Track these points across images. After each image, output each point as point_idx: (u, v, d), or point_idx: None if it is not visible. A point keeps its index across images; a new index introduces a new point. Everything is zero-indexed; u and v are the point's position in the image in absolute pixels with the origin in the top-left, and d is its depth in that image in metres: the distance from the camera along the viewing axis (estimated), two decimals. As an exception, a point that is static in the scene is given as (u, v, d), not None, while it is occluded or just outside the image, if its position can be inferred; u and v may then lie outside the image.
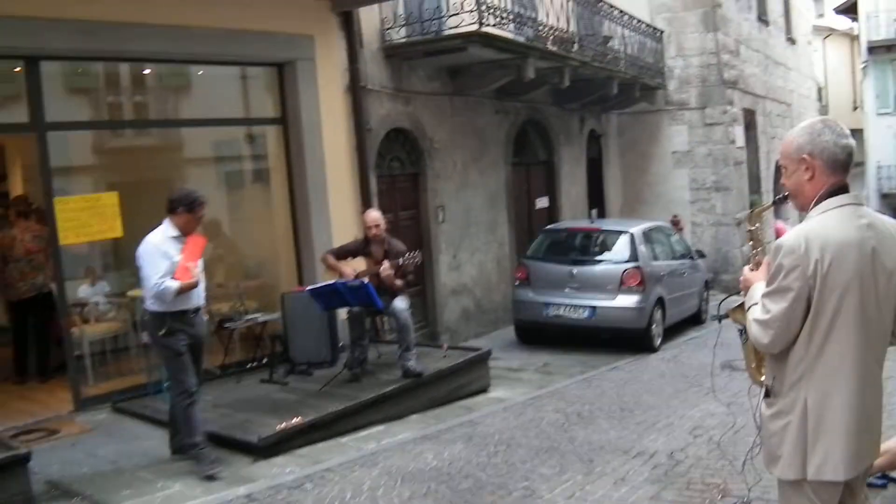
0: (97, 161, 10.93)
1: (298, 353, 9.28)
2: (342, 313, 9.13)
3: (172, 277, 6.25)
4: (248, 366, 9.49)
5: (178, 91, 10.87)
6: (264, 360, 9.30)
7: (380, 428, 7.75)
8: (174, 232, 6.43)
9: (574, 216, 16.47)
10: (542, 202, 16.03)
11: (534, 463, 6.46)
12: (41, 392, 9.13)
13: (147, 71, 10.10)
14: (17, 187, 11.75)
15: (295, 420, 7.21)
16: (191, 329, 6.50)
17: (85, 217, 8.50)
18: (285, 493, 6.01)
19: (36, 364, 9.64)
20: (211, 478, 6.32)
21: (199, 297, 6.60)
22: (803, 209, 3.22)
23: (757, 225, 3.67)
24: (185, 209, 6.44)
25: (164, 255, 6.30)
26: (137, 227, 9.09)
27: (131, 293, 9.91)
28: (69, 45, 8.20)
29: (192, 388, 6.48)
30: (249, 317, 9.47)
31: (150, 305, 6.35)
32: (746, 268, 3.49)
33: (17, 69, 8.37)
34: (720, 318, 4.03)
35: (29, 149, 10.19)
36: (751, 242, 3.64)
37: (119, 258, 10.75)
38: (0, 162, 12.46)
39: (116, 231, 8.75)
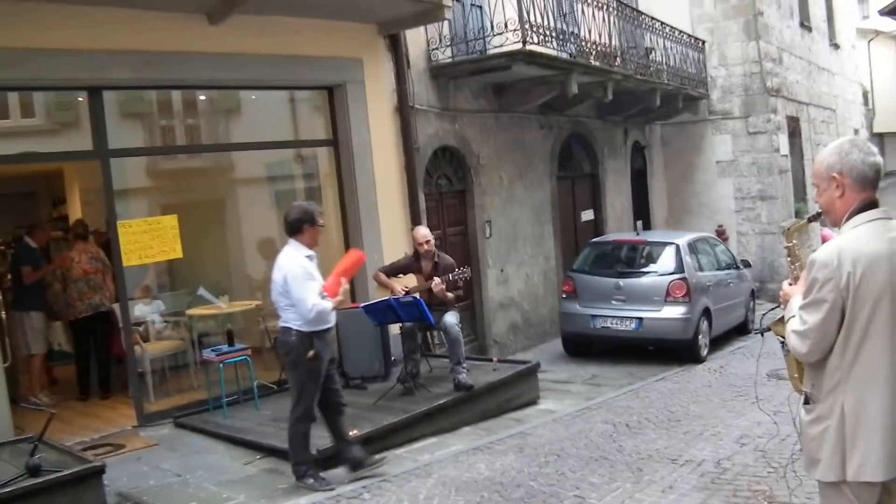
0: (154, 184, 11.32)
1: (352, 368, 9.51)
2: (394, 328, 9.35)
3: (322, 296, 6.33)
4: (305, 381, 9.73)
5: (231, 115, 11.24)
6: (320, 375, 9.52)
7: (433, 440, 7.97)
8: (307, 251, 6.48)
9: (619, 228, 16.60)
10: (588, 215, 16.19)
11: (584, 472, 6.65)
12: (104, 408, 9.47)
13: (202, 97, 10.47)
14: (75, 210, 12.15)
15: (352, 433, 7.45)
16: (327, 347, 6.60)
17: (147, 239, 8.84)
18: (344, 503, 6.25)
19: (98, 381, 9.99)
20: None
21: (334, 315, 6.69)
22: (836, 225, 3.42)
23: (794, 241, 3.86)
24: (309, 224, 6.51)
25: (311, 276, 6.37)
26: (194, 247, 9.49)
27: (189, 312, 10.28)
28: (128, 75, 8.56)
29: (315, 414, 6.59)
30: (305, 333, 9.71)
31: (300, 326, 6.38)
32: (786, 282, 3.69)
33: (81, 99, 8.81)
34: (762, 332, 4.20)
35: (86, 173, 10.66)
36: (789, 258, 3.84)
37: (174, 278, 11.12)
38: (59, 185, 12.91)
39: (177, 252, 9.07)
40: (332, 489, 6.45)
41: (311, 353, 6.36)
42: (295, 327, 6.37)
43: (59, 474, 5.58)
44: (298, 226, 6.49)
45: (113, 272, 9.47)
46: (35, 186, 13.80)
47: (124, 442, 8.20)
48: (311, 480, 6.51)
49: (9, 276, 10.09)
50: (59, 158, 10.44)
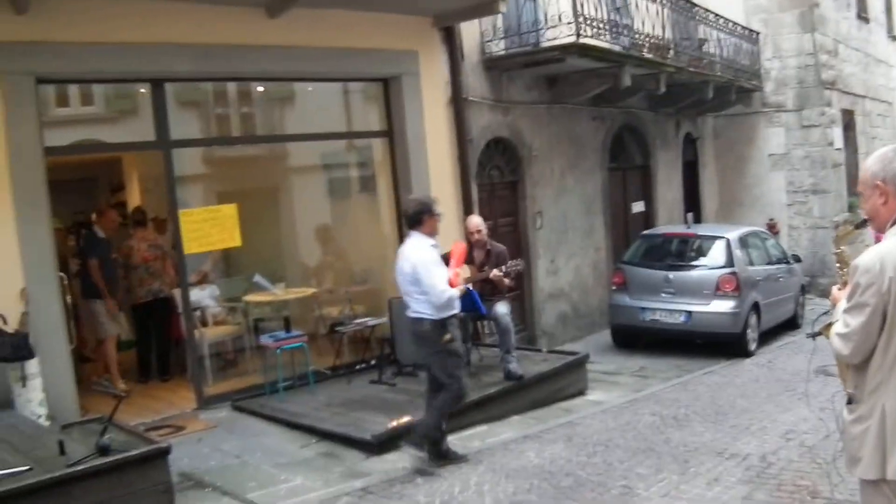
0: (211, 172, 11.56)
1: (405, 356, 9.61)
2: (446, 317, 9.53)
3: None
4: (358, 367, 9.95)
5: (288, 106, 11.46)
6: (373, 362, 9.75)
7: (483, 428, 8.11)
8: (430, 240, 6.69)
9: (670, 220, 16.60)
10: (639, 206, 16.21)
11: (631, 463, 6.77)
12: (164, 391, 9.76)
13: (259, 88, 10.69)
14: (134, 197, 12.44)
15: (405, 419, 7.64)
16: (456, 332, 6.79)
17: (207, 228, 9.09)
18: (398, 487, 6.43)
19: (157, 365, 10.30)
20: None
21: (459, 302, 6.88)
22: (880, 231, 3.52)
23: (843, 248, 3.96)
24: (428, 215, 6.68)
25: (440, 263, 6.62)
26: (251, 235, 9.71)
27: (246, 298, 10.52)
28: (189, 67, 8.81)
29: (466, 390, 6.84)
30: (359, 321, 9.95)
31: (432, 315, 6.56)
32: (835, 287, 3.81)
33: (143, 91, 9.07)
34: (814, 336, 4.28)
35: (145, 160, 10.94)
36: (838, 264, 3.94)
37: (231, 264, 11.36)
38: (118, 172, 13.23)
39: (235, 241, 9.33)
40: (432, 472, 6.66)
41: (447, 336, 6.57)
42: (427, 316, 6.55)
43: (127, 454, 5.79)
44: (419, 217, 6.67)
45: (172, 258, 9.77)
46: (95, 173, 14.11)
47: (184, 424, 8.47)
48: (418, 451, 6.71)
49: (77, 263, 10.35)
50: (122, 149, 10.76)
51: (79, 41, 7.93)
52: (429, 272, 6.46)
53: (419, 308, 6.60)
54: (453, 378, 6.69)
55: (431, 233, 6.72)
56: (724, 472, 6.50)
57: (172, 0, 8.36)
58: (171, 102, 9.10)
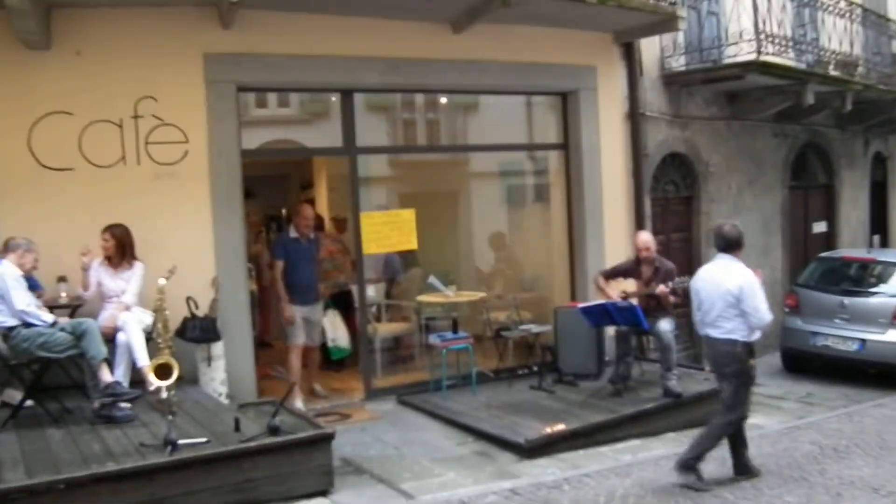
0: (392, 175, 12.05)
1: (566, 365, 9.90)
2: (610, 330, 9.68)
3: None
4: (520, 372, 10.28)
5: (468, 116, 11.82)
6: (535, 369, 9.99)
7: (636, 442, 8.20)
8: (744, 266, 6.82)
9: (854, 242, 16.07)
10: (820, 227, 15.79)
11: (780, 490, 6.73)
12: (335, 380, 10.36)
13: (443, 100, 11.15)
14: (321, 195, 13.22)
15: (559, 427, 7.88)
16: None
17: (386, 230, 9.67)
18: (545, 492, 6.63)
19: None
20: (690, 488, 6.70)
21: None
22: None
23: None
24: (741, 247, 6.89)
25: (761, 288, 6.77)
26: (427, 237, 10.16)
27: (419, 298, 10.99)
28: (378, 79, 9.42)
29: (746, 416, 6.97)
30: (524, 327, 10.22)
31: (745, 337, 6.71)
32: None
33: (334, 100, 9.69)
34: None
35: (333, 161, 11.58)
36: None
37: (406, 265, 11.81)
38: (308, 171, 14.03)
39: (412, 244, 9.91)
40: (708, 489, 6.69)
41: (752, 361, 6.79)
42: (740, 338, 6.71)
43: (294, 436, 6.33)
44: (740, 243, 6.88)
45: (351, 256, 10.33)
46: (288, 171, 14.98)
47: (351, 412, 9.06)
48: (695, 478, 6.76)
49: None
50: (312, 153, 11.61)
51: (277, 53, 8.68)
52: (754, 295, 6.60)
53: (733, 328, 6.71)
54: (739, 404, 6.82)
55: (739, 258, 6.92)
56: (875, 509, 6.40)
57: (364, 16, 8.95)
58: (358, 110, 9.70)
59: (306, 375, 9.60)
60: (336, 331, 10.49)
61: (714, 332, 6.80)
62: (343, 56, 9.05)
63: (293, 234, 9.34)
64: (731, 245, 6.81)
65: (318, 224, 10.80)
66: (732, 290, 6.58)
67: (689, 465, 6.73)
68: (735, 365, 6.69)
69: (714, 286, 6.76)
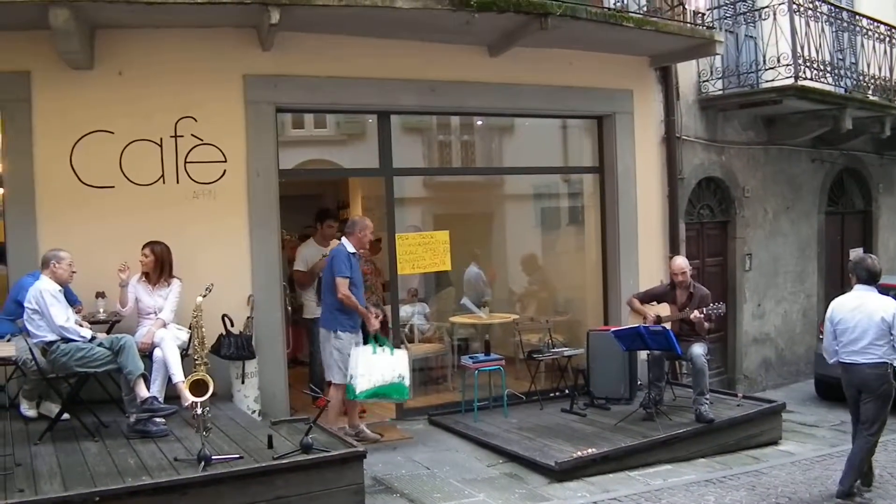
0: (427, 195, 12.16)
1: (598, 388, 9.89)
2: (642, 354, 9.62)
3: None
4: (551, 395, 10.27)
5: (503, 139, 11.91)
6: (566, 391, 10.02)
7: (667, 467, 8.16)
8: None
9: (891, 268, 15.82)
10: (857, 253, 15.63)
11: (812, 520, 6.73)
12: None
13: (479, 122, 11.23)
14: (356, 215, 13.19)
15: (590, 450, 7.87)
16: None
17: (420, 251, 9.72)
18: (571, 517, 6.69)
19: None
20: None
21: None
22: None
23: None
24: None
25: None
26: (460, 258, 10.21)
27: (452, 319, 11.02)
28: (415, 101, 9.54)
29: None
30: (556, 350, 10.24)
31: (892, 360, 6.97)
32: None
33: (370, 121, 9.80)
34: None
35: (369, 182, 11.67)
36: None
37: (440, 285, 11.91)
38: (344, 190, 14.13)
39: (446, 265, 9.94)
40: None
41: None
42: (890, 361, 6.97)
43: (326, 454, 6.37)
44: (880, 276, 7.21)
45: (382, 277, 10.38)
46: (323, 190, 15.11)
47: (382, 432, 9.02)
48: (859, 500, 7.07)
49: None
50: (350, 174, 11.71)
51: (315, 75, 8.80)
52: None
53: (882, 354, 6.91)
54: (880, 424, 7.11)
55: None
56: (907, 541, 6.34)
57: (401, 38, 9.03)
58: (395, 131, 9.80)
59: (350, 413, 8.74)
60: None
61: (861, 359, 7.01)
62: (380, 78, 9.16)
63: (350, 248, 8.34)
64: (874, 277, 7.13)
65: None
66: (887, 318, 6.86)
67: (850, 493, 7.05)
68: (886, 386, 6.97)
69: (865, 316, 6.98)
